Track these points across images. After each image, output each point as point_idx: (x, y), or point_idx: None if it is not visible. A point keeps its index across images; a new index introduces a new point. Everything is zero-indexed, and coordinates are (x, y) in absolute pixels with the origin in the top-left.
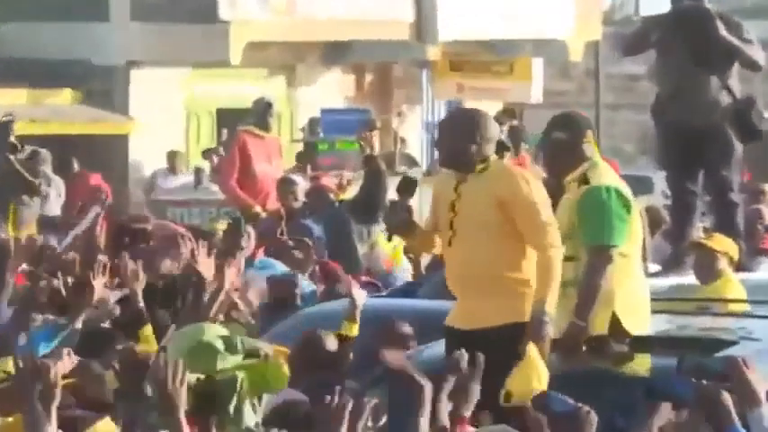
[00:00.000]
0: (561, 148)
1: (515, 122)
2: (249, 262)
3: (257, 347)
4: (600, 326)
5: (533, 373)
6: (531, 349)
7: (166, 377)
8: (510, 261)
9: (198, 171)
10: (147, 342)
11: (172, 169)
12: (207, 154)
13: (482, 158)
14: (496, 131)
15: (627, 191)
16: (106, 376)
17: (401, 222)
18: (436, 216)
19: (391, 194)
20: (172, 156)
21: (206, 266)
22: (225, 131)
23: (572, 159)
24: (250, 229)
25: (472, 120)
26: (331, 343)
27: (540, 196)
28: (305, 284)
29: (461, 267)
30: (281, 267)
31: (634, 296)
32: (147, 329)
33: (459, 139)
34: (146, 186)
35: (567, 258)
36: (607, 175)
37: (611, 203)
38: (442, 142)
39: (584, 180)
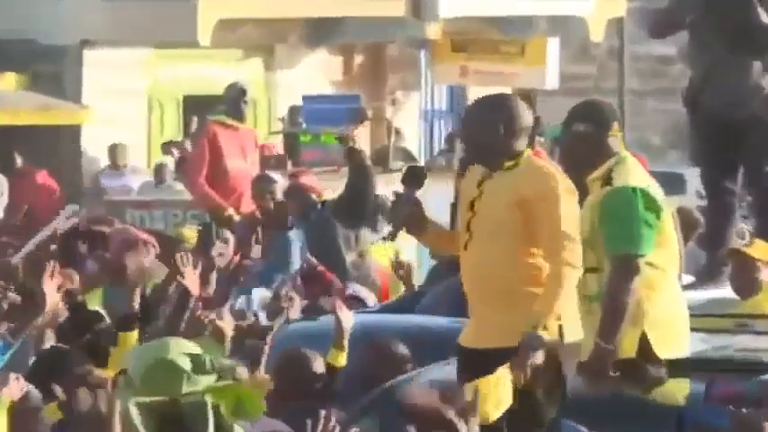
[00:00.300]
0: (583, 142)
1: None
2: (234, 277)
3: (232, 366)
4: (628, 348)
5: (489, 397)
6: (500, 370)
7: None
8: (531, 273)
9: (159, 168)
10: (127, 344)
11: (114, 165)
12: (167, 147)
13: (511, 154)
14: (529, 121)
15: (657, 191)
16: (46, 410)
17: (409, 217)
18: (460, 215)
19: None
20: (113, 150)
21: (192, 281)
22: (193, 121)
23: (596, 155)
24: (228, 234)
25: (501, 108)
26: (318, 365)
27: (570, 208)
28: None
29: (475, 276)
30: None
31: (667, 313)
32: (132, 337)
33: (485, 132)
34: (91, 186)
35: (589, 270)
36: (635, 174)
37: (638, 207)
38: (466, 134)
39: (608, 179)
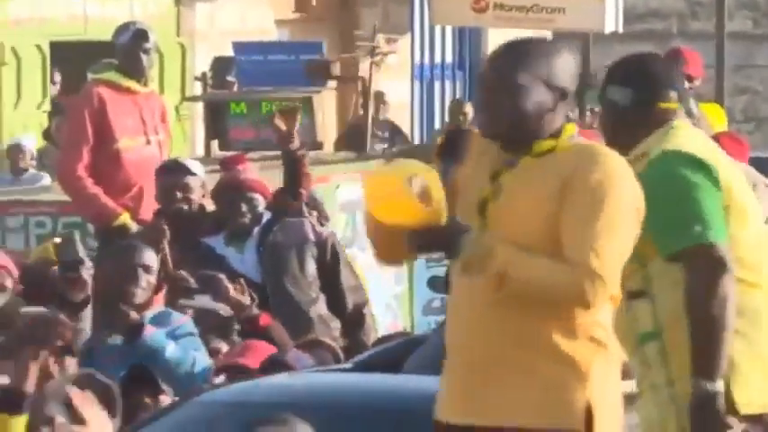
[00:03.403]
0: (619, 113)
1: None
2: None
3: None
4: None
5: None
6: None
7: None
8: (570, 318)
9: (15, 151)
10: None
11: None
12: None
13: (551, 130)
14: (574, 82)
15: (723, 164)
16: None
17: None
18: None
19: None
20: None
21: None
22: (57, 81)
23: (637, 130)
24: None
25: (544, 60)
26: None
27: (626, 207)
28: (189, 351)
29: (487, 319)
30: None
31: (759, 351)
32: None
33: (519, 95)
34: None
35: (635, 295)
36: (688, 141)
37: (690, 175)
38: (486, 100)
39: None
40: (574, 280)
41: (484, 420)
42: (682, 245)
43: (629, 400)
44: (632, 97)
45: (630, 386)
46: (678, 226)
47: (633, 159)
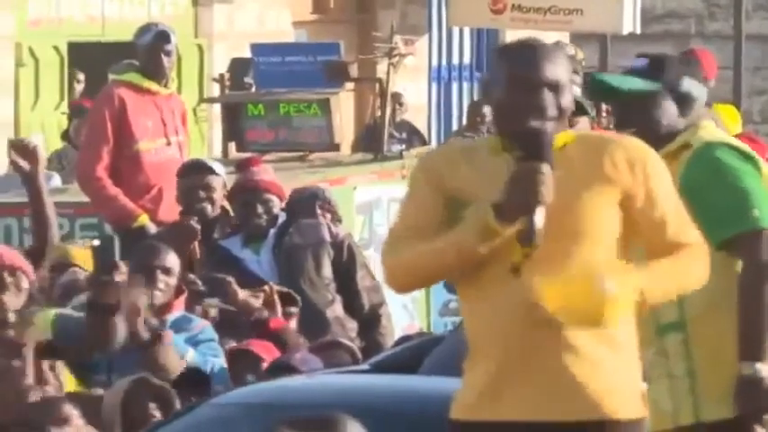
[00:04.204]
0: (637, 109)
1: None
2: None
3: None
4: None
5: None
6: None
7: None
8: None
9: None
10: None
11: None
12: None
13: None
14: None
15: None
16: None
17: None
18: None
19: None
20: None
21: None
22: (81, 80)
23: (660, 129)
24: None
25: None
26: None
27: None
28: (208, 357)
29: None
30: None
31: None
32: None
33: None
34: None
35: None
36: (724, 135)
37: (735, 161)
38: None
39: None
40: (700, 263)
41: (591, 415)
42: (737, 229)
43: None
44: (650, 92)
45: None
46: (733, 212)
47: (676, 150)
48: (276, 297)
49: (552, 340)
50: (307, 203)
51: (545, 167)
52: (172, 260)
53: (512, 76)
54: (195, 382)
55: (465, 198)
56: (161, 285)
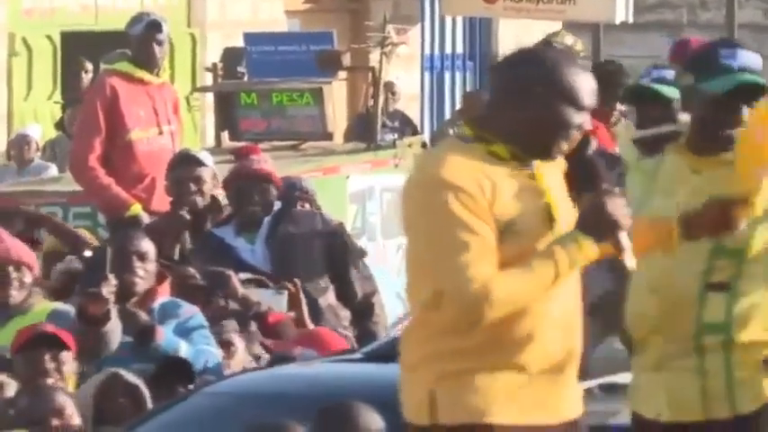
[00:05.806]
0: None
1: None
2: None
3: None
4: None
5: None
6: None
7: None
8: None
9: (21, 142)
10: None
11: None
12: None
13: None
14: None
15: None
16: None
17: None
18: (518, 233)
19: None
20: None
21: None
22: (90, 70)
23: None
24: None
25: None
26: None
27: None
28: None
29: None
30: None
31: None
32: None
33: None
34: None
35: (715, 287)
36: None
37: None
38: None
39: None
40: None
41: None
42: None
43: (612, 390)
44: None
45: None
46: None
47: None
48: (302, 294)
49: None
50: (285, 193)
51: (616, 194)
52: (146, 245)
53: (572, 99)
54: (177, 371)
55: (504, 222)
56: (139, 272)
